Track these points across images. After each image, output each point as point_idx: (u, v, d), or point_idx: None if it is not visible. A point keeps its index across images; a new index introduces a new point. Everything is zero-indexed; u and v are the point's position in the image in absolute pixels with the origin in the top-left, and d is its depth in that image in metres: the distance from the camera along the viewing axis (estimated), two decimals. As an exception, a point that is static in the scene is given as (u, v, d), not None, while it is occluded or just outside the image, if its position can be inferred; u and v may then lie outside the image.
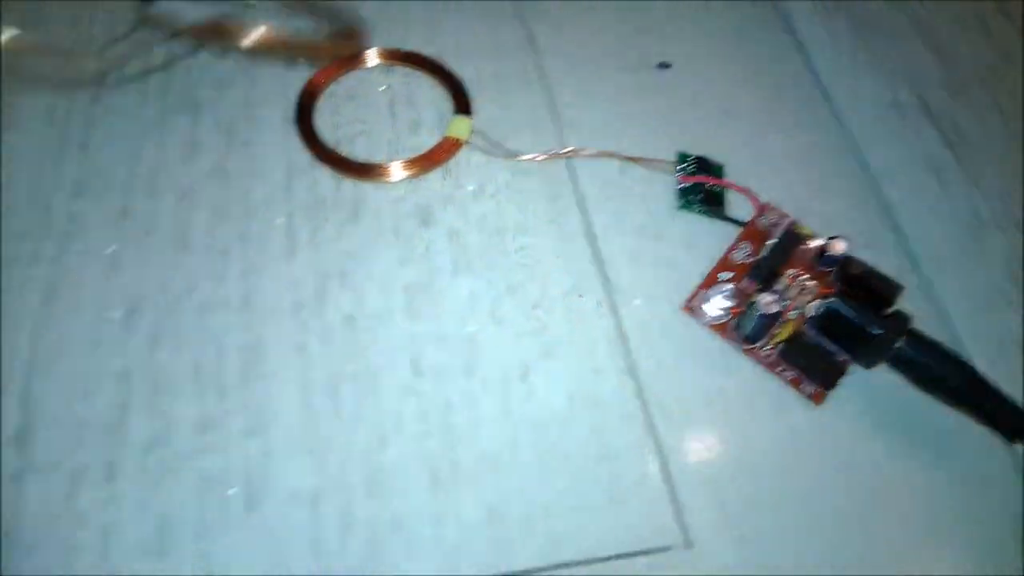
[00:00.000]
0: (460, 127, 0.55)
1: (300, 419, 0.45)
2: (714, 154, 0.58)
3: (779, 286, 0.52)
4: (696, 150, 0.58)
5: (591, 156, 0.56)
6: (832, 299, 0.49)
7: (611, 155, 0.55)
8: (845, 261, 0.51)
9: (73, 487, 0.42)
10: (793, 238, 0.51)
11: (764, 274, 0.50)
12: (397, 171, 0.55)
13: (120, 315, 0.46)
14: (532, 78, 0.59)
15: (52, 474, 0.42)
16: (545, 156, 0.56)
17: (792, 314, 0.51)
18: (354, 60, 0.59)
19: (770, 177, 0.57)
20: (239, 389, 0.45)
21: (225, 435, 0.44)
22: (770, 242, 0.50)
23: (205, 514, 0.42)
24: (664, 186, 0.56)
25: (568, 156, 0.56)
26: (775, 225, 0.53)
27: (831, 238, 0.51)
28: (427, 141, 0.56)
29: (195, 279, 0.49)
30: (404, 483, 0.44)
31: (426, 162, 0.54)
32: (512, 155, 0.56)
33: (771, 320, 0.47)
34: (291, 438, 0.44)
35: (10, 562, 0.40)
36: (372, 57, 0.59)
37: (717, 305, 0.50)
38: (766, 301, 0.47)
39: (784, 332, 0.49)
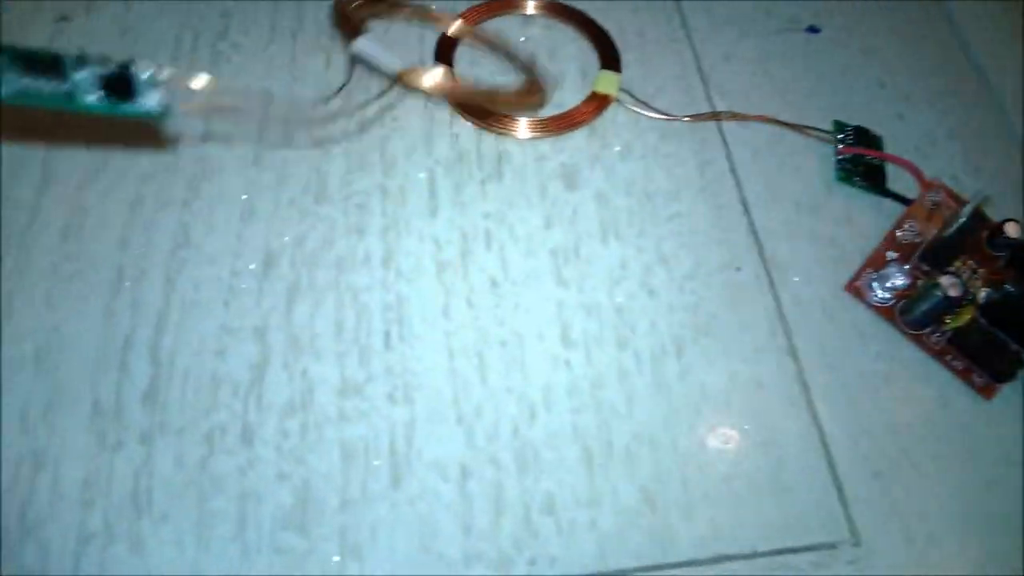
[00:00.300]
0: (608, 83, 0.49)
1: (446, 387, 0.41)
2: (868, 126, 0.52)
3: (951, 269, 0.46)
4: (850, 120, 0.52)
5: (745, 120, 0.51)
6: (1006, 286, 0.44)
7: (768, 120, 0.50)
8: (1019, 245, 0.45)
9: (208, 450, 0.37)
10: (980, 219, 0.45)
11: (942, 256, 0.44)
12: (541, 127, 0.49)
13: (256, 267, 0.41)
14: (678, 36, 0.54)
15: (185, 436, 0.38)
16: (698, 118, 0.51)
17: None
18: (500, 5, 0.53)
19: (926, 151, 0.52)
20: (382, 352, 0.40)
21: (369, 401, 0.39)
22: (957, 222, 0.43)
23: (349, 486, 0.37)
24: (819, 156, 0.50)
25: (722, 119, 0.50)
26: (941, 203, 0.47)
27: (1005, 221, 0.45)
28: (569, 97, 0.51)
29: (333, 233, 0.44)
30: (556, 461, 0.40)
31: (572, 118, 0.49)
32: (662, 115, 0.51)
33: (948, 305, 0.42)
34: (437, 407, 0.40)
35: (142, 530, 0.36)
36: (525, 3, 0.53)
37: (885, 286, 0.44)
38: (949, 283, 0.41)
39: (958, 319, 0.43)
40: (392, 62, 0.42)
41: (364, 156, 0.47)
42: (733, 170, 0.48)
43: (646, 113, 0.50)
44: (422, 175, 0.46)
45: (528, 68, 0.46)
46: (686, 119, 0.50)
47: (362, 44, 0.42)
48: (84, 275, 0.40)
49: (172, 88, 0.34)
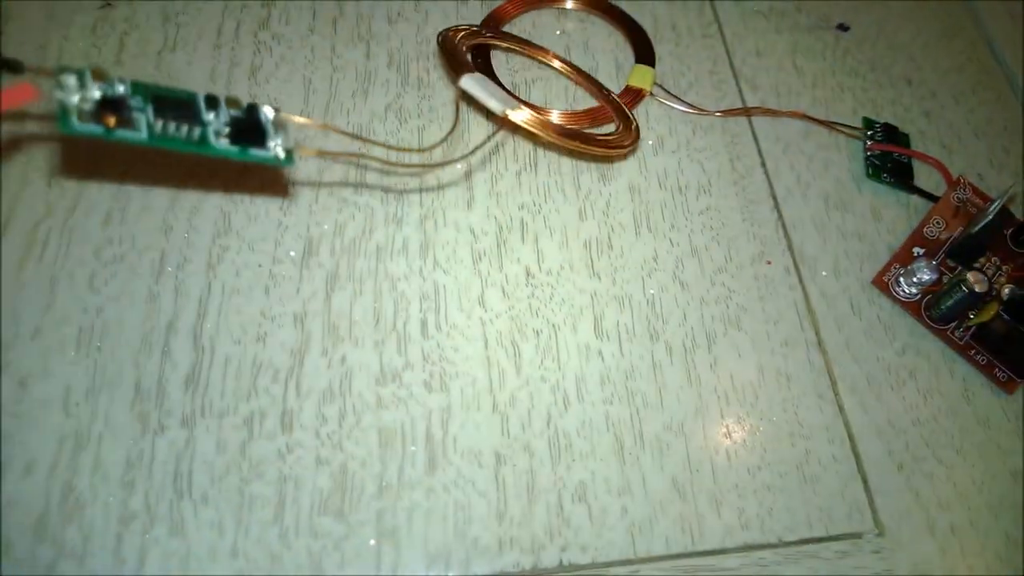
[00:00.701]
0: (642, 77, 0.48)
1: (481, 375, 0.40)
2: (895, 123, 0.52)
3: (976, 266, 0.46)
4: (878, 117, 0.51)
5: (776, 115, 0.50)
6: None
7: (799, 115, 0.48)
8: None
9: (248, 435, 0.36)
10: (1005, 216, 0.43)
11: (968, 252, 0.43)
12: (576, 119, 0.48)
13: (296, 255, 0.40)
14: (710, 32, 0.53)
15: (225, 420, 0.37)
16: (729, 112, 0.50)
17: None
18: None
19: (951, 149, 0.51)
20: (419, 340, 0.40)
21: (406, 388, 0.39)
22: (983, 219, 0.42)
23: (385, 471, 0.36)
24: (848, 152, 0.49)
25: (753, 114, 0.48)
26: (967, 201, 0.45)
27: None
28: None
29: (372, 222, 0.43)
30: (588, 450, 0.39)
31: (606, 112, 0.46)
32: (694, 109, 0.50)
33: (973, 300, 0.41)
34: (473, 395, 0.40)
35: (183, 512, 0.36)
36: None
37: (911, 281, 0.43)
38: (975, 279, 0.40)
39: (982, 315, 0.42)
40: (499, 102, 0.40)
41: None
42: (764, 164, 0.47)
43: (679, 107, 0.48)
44: (459, 166, 0.44)
45: (620, 112, 0.45)
46: (718, 113, 0.49)
47: (468, 82, 0.40)
48: (127, 259, 0.39)
49: (288, 129, 0.34)
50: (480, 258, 0.42)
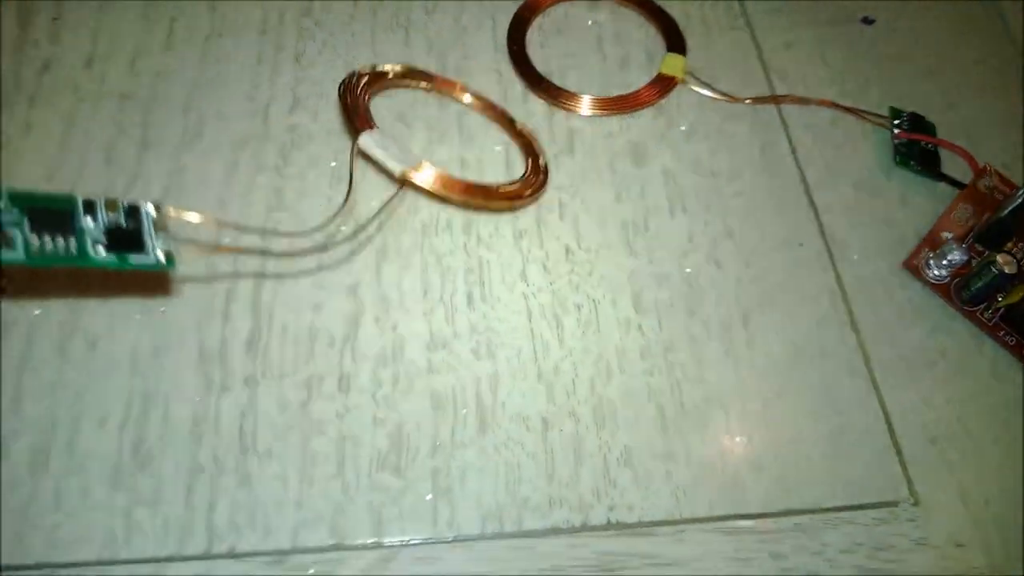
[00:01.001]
0: (674, 65, 0.52)
1: (526, 345, 0.44)
2: (920, 112, 0.55)
3: (1005, 249, 0.48)
4: (904, 107, 0.55)
5: (806, 103, 0.54)
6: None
7: (828, 104, 0.52)
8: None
9: (308, 396, 0.40)
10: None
11: (997, 236, 0.47)
12: (609, 106, 0.52)
13: (347, 230, 0.44)
14: (739, 24, 0.57)
15: (285, 382, 0.40)
16: (759, 100, 0.54)
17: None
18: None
19: (975, 139, 0.54)
20: (466, 311, 0.43)
21: (455, 355, 0.42)
22: (1011, 203, 0.46)
23: (439, 432, 0.40)
24: (876, 140, 0.53)
25: (784, 102, 0.53)
26: (994, 187, 0.49)
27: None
28: (636, 78, 0.54)
29: (417, 201, 0.47)
30: (631, 417, 0.42)
31: (638, 99, 0.52)
32: (725, 97, 0.54)
33: (1003, 282, 0.45)
34: (519, 363, 0.43)
35: (248, 465, 0.39)
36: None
37: (941, 264, 0.47)
38: (1005, 261, 0.44)
39: (1010, 296, 0.46)
40: (396, 161, 0.43)
41: (444, 131, 0.50)
42: (794, 152, 0.51)
43: (710, 95, 0.53)
44: (498, 148, 0.49)
45: (530, 146, 0.49)
46: (748, 101, 0.53)
47: (367, 141, 0.43)
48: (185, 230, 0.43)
49: (173, 226, 0.34)
50: (521, 236, 0.46)
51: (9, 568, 0.35)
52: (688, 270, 0.46)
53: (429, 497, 0.38)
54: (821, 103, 0.53)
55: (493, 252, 0.45)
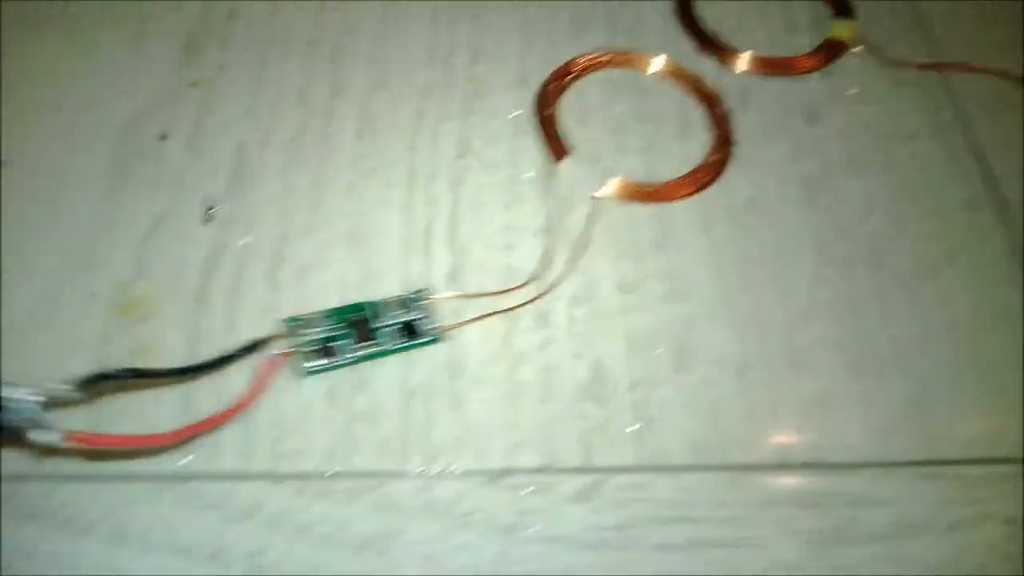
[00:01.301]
0: (843, 29, 0.54)
1: (715, 292, 0.46)
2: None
3: None
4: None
5: (974, 71, 0.56)
6: None
7: (996, 72, 0.54)
8: None
9: (510, 327, 0.44)
10: None
11: None
12: (783, 66, 0.55)
13: (533, 175, 0.47)
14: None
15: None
16: (931, 67, 0.56)
17: None
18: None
19: None
20: (654, 256, 0.45)
21: (647, 298, 0.44)
22: None
23: (635, 369, 0.42)
24: (1046, 109, 0.53)
25: (951, 69, 0.56)
26: None
27: None
28: (801, 41, 0.57)
29: (599, 149, 0.51)
30: (824, 363, 0.44)
31: (810, 61, 0.55)
32: (895, 62, 0.56)
33: None
34: (709, 308, 0.45)
35: (458, 389, 0.42)
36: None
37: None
38: None
39: None
40: (588, 188, 0.48)
41: (620, 85, 0.54)
42: (962, 117, 0.54)
43: (877, 60, 0.55)
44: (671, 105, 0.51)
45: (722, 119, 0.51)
46: (916, 67, 0.55)
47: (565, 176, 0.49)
48: (379, 172, 0.46)
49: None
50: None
51: (235, 475, 0.38)
52: (869, 227, 0.48)
53: (636, 427, 0.40)
54: (989, 70, 0.54)
55: (677, 203, 0.47)
